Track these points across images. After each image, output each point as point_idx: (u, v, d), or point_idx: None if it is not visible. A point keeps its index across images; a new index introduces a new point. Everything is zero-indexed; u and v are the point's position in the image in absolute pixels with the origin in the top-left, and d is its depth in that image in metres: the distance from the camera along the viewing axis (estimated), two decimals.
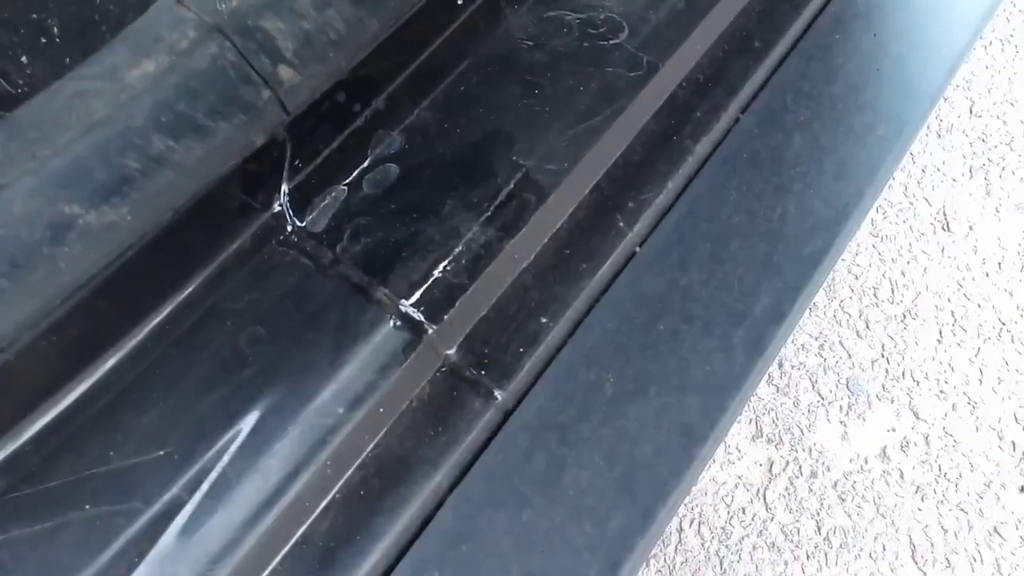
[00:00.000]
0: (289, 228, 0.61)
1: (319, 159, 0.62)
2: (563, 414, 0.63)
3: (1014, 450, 1.58)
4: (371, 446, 0.57)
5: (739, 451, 1.64)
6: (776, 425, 1.65)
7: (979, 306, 1.72)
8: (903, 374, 1.67)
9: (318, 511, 0.55)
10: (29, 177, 0.44)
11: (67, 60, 0.50)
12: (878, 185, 0.78)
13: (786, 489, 1.59)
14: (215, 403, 0.54)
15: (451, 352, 0.61)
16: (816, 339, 1.72)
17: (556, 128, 0.66)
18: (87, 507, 0.50)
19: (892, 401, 1.65)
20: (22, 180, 0.44)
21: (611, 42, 0.70)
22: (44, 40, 0.51)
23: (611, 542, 0.61)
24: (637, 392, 0.65)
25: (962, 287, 1.75)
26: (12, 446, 0.50)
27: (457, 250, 0.61)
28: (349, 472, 0.56)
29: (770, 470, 1.61)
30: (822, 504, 1.57)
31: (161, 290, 0.56)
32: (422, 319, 0.59)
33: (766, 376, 1.70)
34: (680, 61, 0.71)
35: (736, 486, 1.61)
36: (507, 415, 0.62)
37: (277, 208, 0.60)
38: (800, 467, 1.59)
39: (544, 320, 0.63)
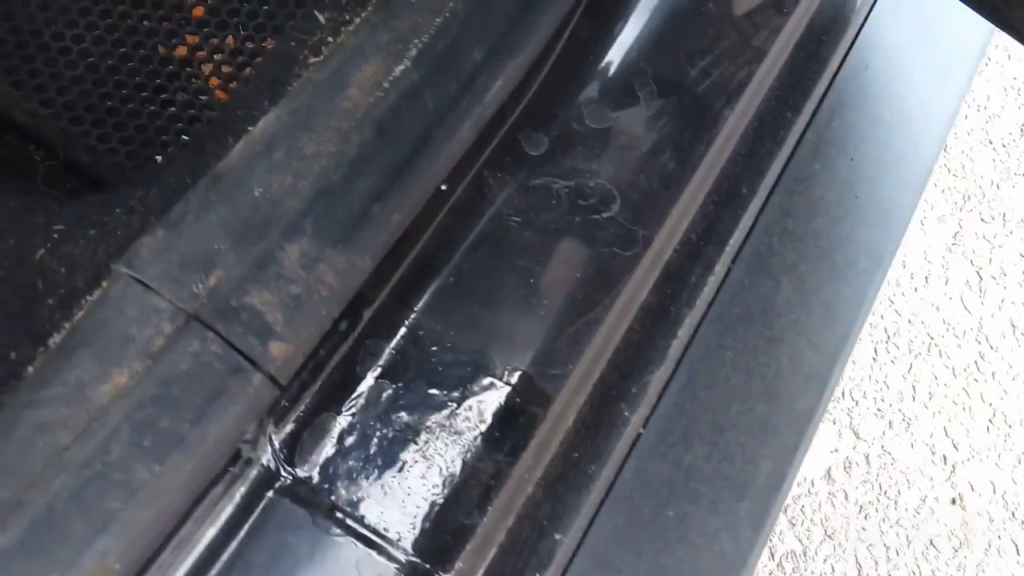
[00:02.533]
0: (281, 476, 0.55)
1: (306, 393, 0.56)
2: None
3: (945, 463, 1.67)
4: None
5: None
6: None
7: (909, 322, 1.80)
8: (843, 394, 1.74)
9: None
10: None
11: (12, 355, 0.42)
12: (861, 323, 0.78)
13: None
14: None
15: None
16: None
17: (555, 325, 0.62)
18: None
19: (834, 422, 1.71)
20: None
21: (603, 215, 0.66)
22: None
23: None
24: None
25: (893, 303, 1.82)
26: None
27: (464, 484, 0.57)
28: None
29: None
30: (774, 530, 1.63)
31: None
32: (432, 569, 0.55)
33: None
34: (674, 226, 0.68)
35: None
36: None
37: (265, 458, 0.54)
38: None
39: (557, 536, 0.60)
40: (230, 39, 0.95)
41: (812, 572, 1.59)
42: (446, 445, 0.58)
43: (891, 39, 0.86)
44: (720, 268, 0.72)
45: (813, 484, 1.67)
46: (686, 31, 0.72)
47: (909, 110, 0.86)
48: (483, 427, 0.59)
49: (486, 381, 0.60)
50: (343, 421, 0.57)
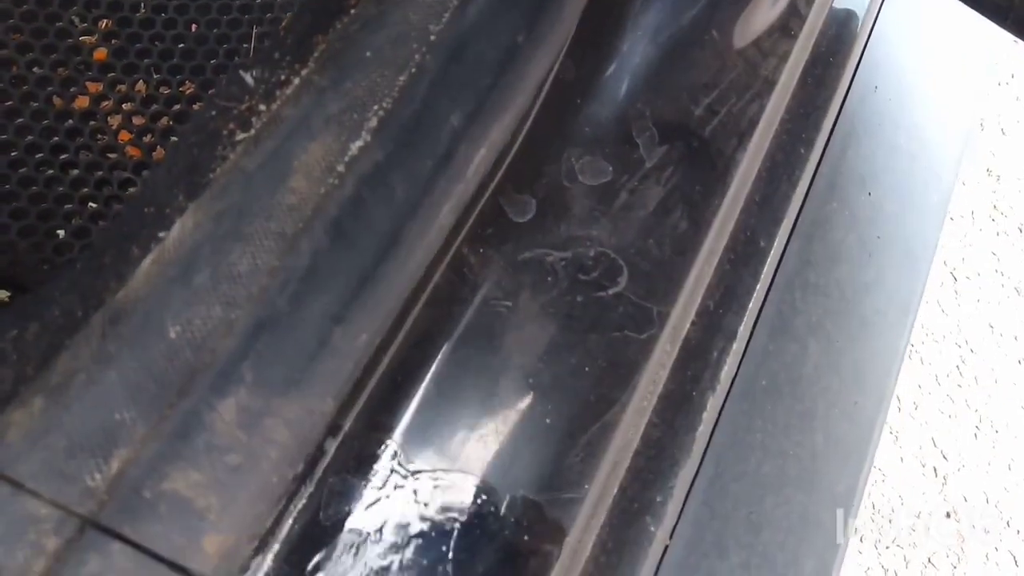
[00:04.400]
0: None
1: (259, 569, 0.43)
2: None
3: (936, 475, 1.62)
4: None
5: None
6: None
7: None
8: None
9: None
10: None
11: None
12: (895, 381, 0.69)
13: None
14: None
15: None
16: None
17: (565, 439, 0.50)
18: None
19: None
20: None
21: (610, 292, 0.54)
22: None
23: None
24: None
25: None
26: None
27: None
28: None
29: None
30: None
31: None
32: None
33: None
34: (690, 297, 0.57)
35: None
36: None
37: None
38: None
39: None
40: (141, 85, 0.81)
41: None
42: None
43: (897, 56, 0.78)
44: (742, 336, 0.62)
45: None
46: (686, 64, 0.61)
47: (924, 133, 0.78)
48: (492, 570, 0.47)
49: (486, 517, 0.48)
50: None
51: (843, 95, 0.73)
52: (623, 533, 0.53)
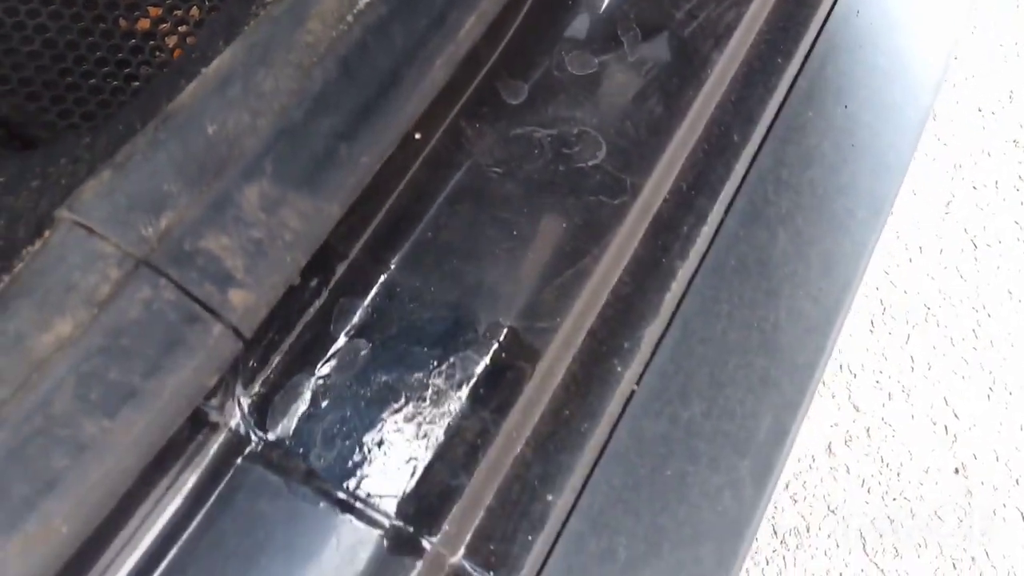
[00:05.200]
0: (252, 440, 0.51)
1: (276, 353, 0.52)
2: None
3: (947, 433, 1.65)
4: None
5: None
6: None
7: (905, 292, 1.78)
8: (840, 367, 1.71)
9: None
10: None
11: None
12: (861, 274, 0.75)
13: None
14: None
15: (455, 560, 0.54)
16: None
17: (541, 276, 0.58)
18: None
19: (833, 396, 1.69)
20: None
21: (589, 164, 0.62)
22: None
23: None
24: (650, 552, 0.61)
25: (888, 274, 1.80)
26: None
27: (449, 444, 0.53)
28: None
29: None
30: (776, 507, 1.60)
31: (106, 556, 0.46)
32: (418, 533, 0.51)
33: None
34: (663, 174, 0.64)
35: None
36: None
37: (234, 422, 0.51)
38: None
39: (550, 498, 0.57)
40: (194, 10, 0.91)
41: (816, 548, 1.56)
42: (428, 404, 0.54)
43: None
44: (713, 219, 0.69)
45: (814, 459, 1.64)
46: None
47: (903, 57, 0.83)
48: (467, 385, 0.55)
49: (469, 337, 0.56)
50: (317, 382, 0.54)
51: (824, 15, 0.79)
52: (592, 369, 0.61)
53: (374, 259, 0.56)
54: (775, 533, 1.58)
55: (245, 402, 0.51)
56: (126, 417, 0.39)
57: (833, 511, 1.59)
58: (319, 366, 0.54)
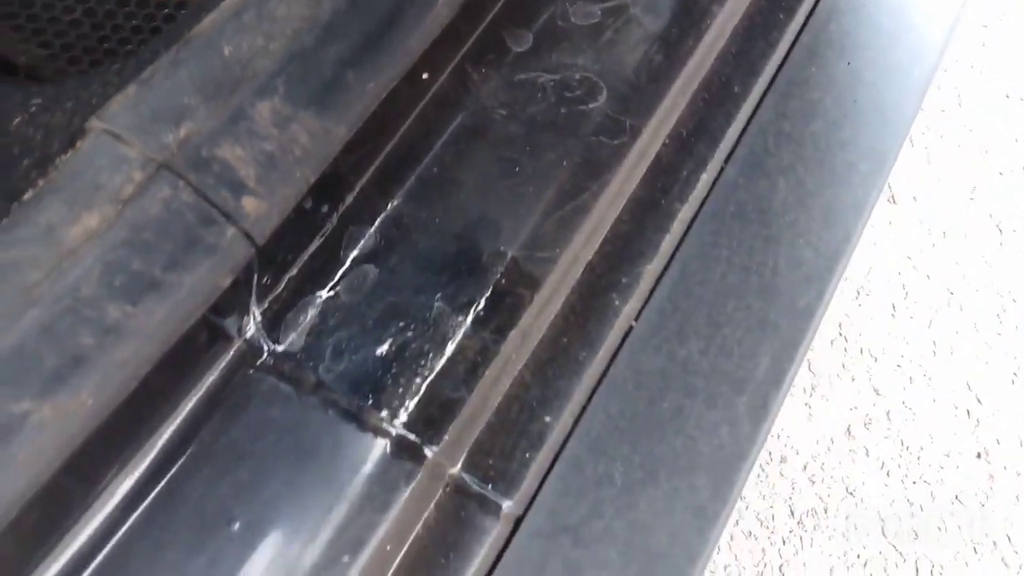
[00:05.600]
0: (265, 352, 0.55)
1: (289, 272, 0.56)
2: (574, 514, 0.60)
3: (969, 418, 1.64)
4: None
5: None
6: None
7: (928, 277, 1.77)
8: (860, 351, 1.71)
9: None
10: None
11: None
12: (863, 225, 0.76)
13: (757, 476, 1.62)
14: (205, 565, 0.49)
15: (455, 470, 0.57)
16: None
17: (542, 210, 0.61)
18: None
19: (852, 379, 1.68)
20: None
21: (590, 106, 0.65)
22: None
23: None
24: (647, 479, 0.63)
25: (911, 259, 1.79)
26: None
27: (451, 360, 0.56)
28: None
29: None
30: (794, 488, 1.60)
31: (127, 452, 0.50)
32: (421, 442, 0.54)
33: None
34: (662, 119, 0.67)
35: None
36: (517, 523, 0.58)
37: (249, 333, 0.54)
38: (769, 452, 1.62)
39: (547, 419, 0.59)
40: None
41: (834, 529, 1.56)
42: (431, 325, 0.57)
43: None
44: (713, 166, 0.71)
45: (833, 441, 1.64)
46: None
47: (908, 18, 0.84)
48: (469, 307, 0.58)
49: (471, 264, 0.59)
50: (327, 302, 0.57)
51: None
52: (590, 301, 0.63)
53: (382, 191, 0.60)
54: (792, 514, 1.58)
55: (259, 317, 0.54)
56: (147, 306, 0.43)
57: (851, 493, 1.59)
58: (329, 287, 0.57)
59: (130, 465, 0.49)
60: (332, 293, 0.57)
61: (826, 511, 1.57)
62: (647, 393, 0.65)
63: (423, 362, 0.56)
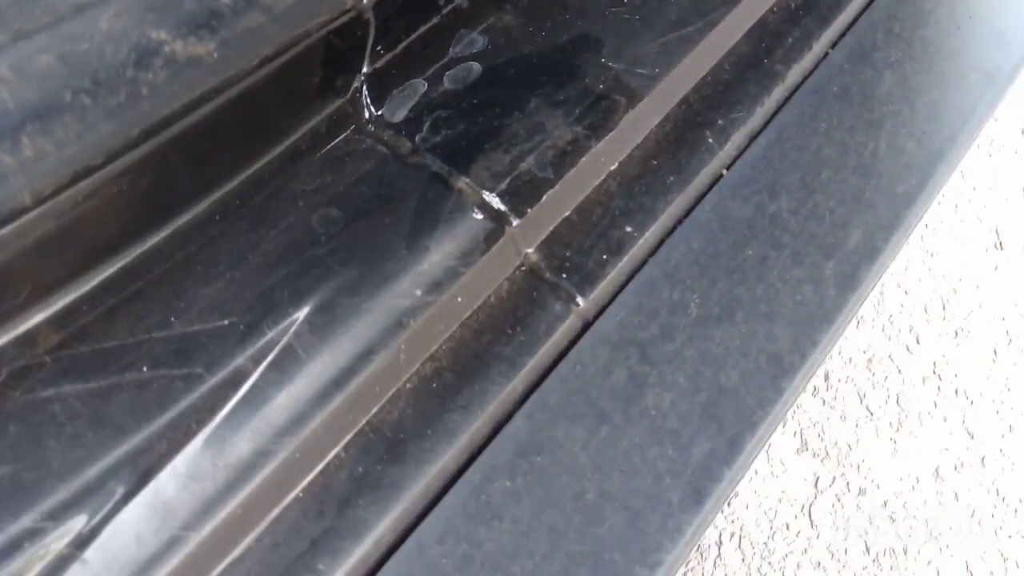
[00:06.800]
0: (366, 116, 0.58)
1: (399, 49, 0.59)
2: (645, 331, 0.59)
3: None
4: (446, 336, 0.53)
5: (783, 464, 1.56)
6: (822, 439, 1.58)
7: None
8: (955, 392, 1.60)
9: (387, 399, 0.50)
10: None
11: None
12: (971, 132, 0.74)
13: (832, 506, 1.51)
14: (284, 278, 0.51)
15: (531, 252, 0.57)
16: (864, 353, 1.66)
17: (647, 36, 0.63)
18: (145, 369, 0.46)
19: (945, 419, 1.57)
20: None
21: None
22: None
23: (695, 469, 0.56)
24: (723, 316, 0.61)
25: (1017, 307, 1.69)
26: (66, 300, 0.47)
27: (542, 145, 0.58)
28: (422, 361, 0.52)
29: (815, 485, 1.53)
30: (871, 523, 1.48)
31: (233, 160, 0.53)
32: (505, 210, 0.55)
33: (811, 388, 1.63)
34: None
35: (780, 500, 1.53)
36: (587, 326, 0.58)
37: (354, 95, 0.57)
38: (848, 483, 1.51)
39: (629, 229, 0.59)
40: None
41: (913, 572, 1.43)
42: (528, 114, 0.59)
43: None
44: (819, 44, 0.71)
45: (918, 480, 1.52)
46: None
47: None
48: (565, 104, 0.60)
49: (571, 70, 0.61)
50: (432, 86, 0.60)
51: None
52: (685, 133, 0.63)
53: (495, 3, 0.63)
54: (867, 550, 1.47)
55: (366, 71, 0.57)
56: None
57: (935, 537, 1.46)
58: (434, 71, 0.60)
59: (234, 173, 0.52)
60: (437, 78, 0.60)
61: (906, 552, 1.45)
62: (732, 236, 0.63)
63: (515, 143, 0.58)
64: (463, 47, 0.62)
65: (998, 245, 1.78)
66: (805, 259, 0.64)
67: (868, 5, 0.74)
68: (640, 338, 0.58)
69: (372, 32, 0.56)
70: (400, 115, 0.58)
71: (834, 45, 0.72)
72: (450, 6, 0.61)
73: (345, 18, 0.52)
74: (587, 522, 0.52)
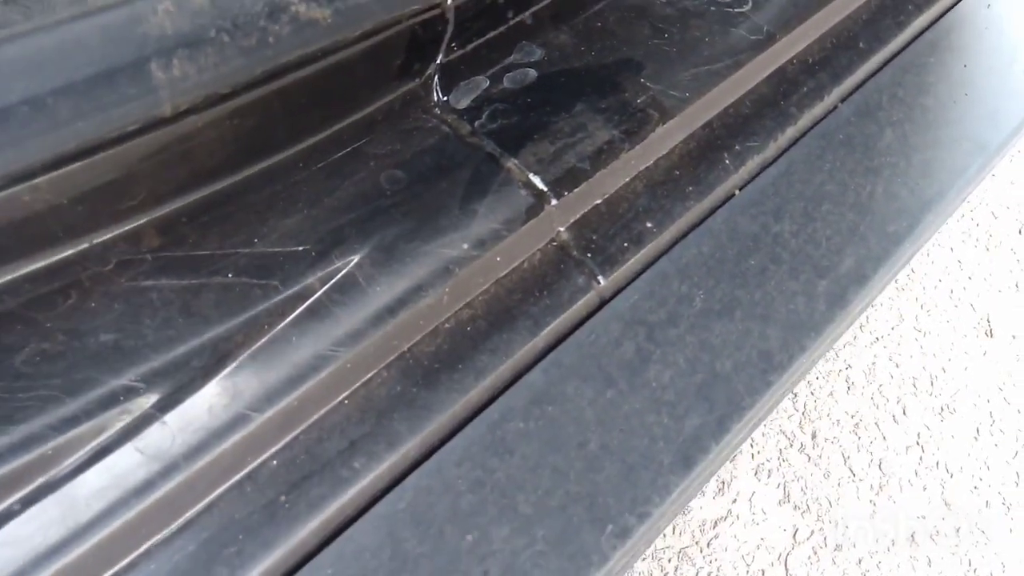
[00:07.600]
0: (435, 99, 0.67)
1: (470, 48, 0.69)
2: (654, 314, 0.66)
3: None
4: (483, 289, 0.60)
5: (764, 513, 1.61)
6: (805, 493, 1.63)
7: (1019, 412, 1.72)
8: (936, 464, 1.66)
9: (428, 332, 0.58)
10: None
11: None
12: (959, 191, 0.83)
13: (809, 558, 1.55)
14: (352, 220, 0.59)
15: (564, 230, 0.65)
16: (852, 417, 1.72)
17: (682, 65, 0.73)
18: (230, 276, 0.54)
19: (924, 488, 1.62)
20: None
21: (736, 10, 0.77)
22: None
23: (687, 439, 0.63)
24: (723, 312, 0.69)
25: (1002, 391, 1.76)
26: (170, 209, 0.55)
27: (584, 142, 0.66)
28: (461, 306, 0.59)
29: (794, 536, 1.57)
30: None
31: (321, 118, 0.61)
32: (546, 190, 0.63)
33: (798, 445, 1.69)
34: (795, 38, 0.78)
35: (758, 547, 1.57)
36: (604, 302, 0.65)
37: (427, 80, 0.67)
38: (825, 538, 1.56)
39: (649, 225, 0.68)
40: None
41: None
42: (572, 115, 0.68)
43: None
44: (830, 97, 0.81)
45: (894, 543, 1.57)
46: None
47: None
48: (605, 111, 0.69)
49: (614, 85, 0.70)
50: (494, 83, 0.69)
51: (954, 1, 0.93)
52: (706, 151, 0.72)
53: (553, 20, 0.73)
54: None
55: (440, 61, 0.67)
56: None
57: None
58: (497, 71, 0.70)
59: (319, 129, 0.61)
60: (498, 78, 0.70)
61: None
62: (738, 247, 0.72)
63: (560, 137, 0.66)
64: (523, 55, 0.71)
65: (988, 332, 1.85)
66: (800, 275, 0.73)
67: (877, 71, 0.84)
68: (649, 320, 0.66)
69: (450, 29, 0.66)
70: (463, 103, 0.68)
71: (844, 100, 0.82)
72: (516, 19, 0.71)
73: (432, 12, 0.62)
74: (587, 468, 0.59)
